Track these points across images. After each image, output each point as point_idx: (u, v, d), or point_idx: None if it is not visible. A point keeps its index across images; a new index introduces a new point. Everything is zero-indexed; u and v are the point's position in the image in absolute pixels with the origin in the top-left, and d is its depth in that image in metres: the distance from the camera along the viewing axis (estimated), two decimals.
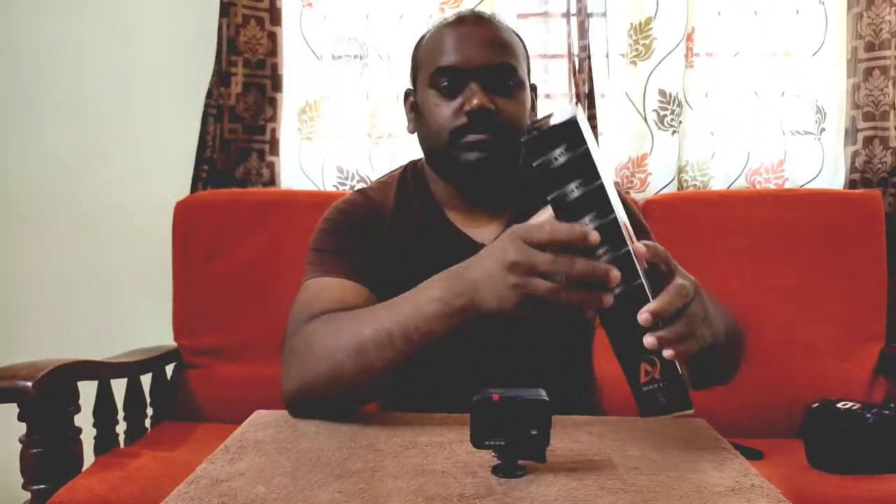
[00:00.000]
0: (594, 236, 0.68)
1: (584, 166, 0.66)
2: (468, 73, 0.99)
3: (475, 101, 0.97)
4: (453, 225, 1.06)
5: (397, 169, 1.15)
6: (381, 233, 1.05)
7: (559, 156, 0.67)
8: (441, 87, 1.01)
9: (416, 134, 1.10)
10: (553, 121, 0.68)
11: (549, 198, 0.69)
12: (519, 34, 1.09)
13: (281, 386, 0.90)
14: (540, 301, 0.72)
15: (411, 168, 1.14)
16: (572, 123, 0.67)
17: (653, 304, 0.69)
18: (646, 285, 0.70)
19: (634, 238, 0.73)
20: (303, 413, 0.88)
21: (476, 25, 1.03)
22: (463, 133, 0.99)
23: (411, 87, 1.10)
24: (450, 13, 1.08)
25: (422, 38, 1.09)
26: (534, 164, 0.68)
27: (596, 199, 0.67)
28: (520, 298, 0.73)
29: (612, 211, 0.68)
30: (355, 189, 1.19)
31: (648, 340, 0.69)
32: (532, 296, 0.72)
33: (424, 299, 0.81)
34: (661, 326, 0.70)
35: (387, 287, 0.93)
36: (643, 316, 0.69)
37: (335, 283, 0.97)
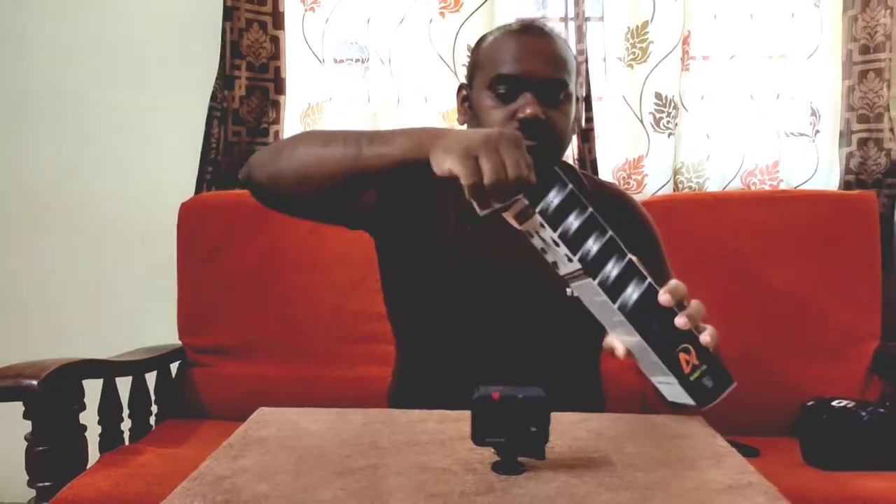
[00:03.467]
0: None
1: (575, 202, 0.78)
2: (525, 83, 1.04)
3: (528, 111, 1.02)
4: None
5: None
6: (436, 193, 1.11)
7: (554, 198, 0.79)
8: (498, 91, 1.05)
9: (465, 126, 1.14)
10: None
11: (556, 233, 0.79)
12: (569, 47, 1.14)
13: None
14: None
15: None
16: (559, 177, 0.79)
17: (666, 287, 0.78)
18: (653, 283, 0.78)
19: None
20: (256, 173, 1.01)
21: (539, 39, 1.08)
22: None
23: (466, 83, 1.15)
24: (513, 21, 1.14)
25: (483, 39, 1.13)
26: (537, 210, 0.79)
27: (593, 224, 0.78)
28: (468, 156, 0.77)
29: (607, 231, 0.78)
30: None
31: (680, 321, 0.77)
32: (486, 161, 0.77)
33: (399, 129, 0.91)
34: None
35: (426, 253, 1.04)
36: (663, 297, 0.77)
37: None
